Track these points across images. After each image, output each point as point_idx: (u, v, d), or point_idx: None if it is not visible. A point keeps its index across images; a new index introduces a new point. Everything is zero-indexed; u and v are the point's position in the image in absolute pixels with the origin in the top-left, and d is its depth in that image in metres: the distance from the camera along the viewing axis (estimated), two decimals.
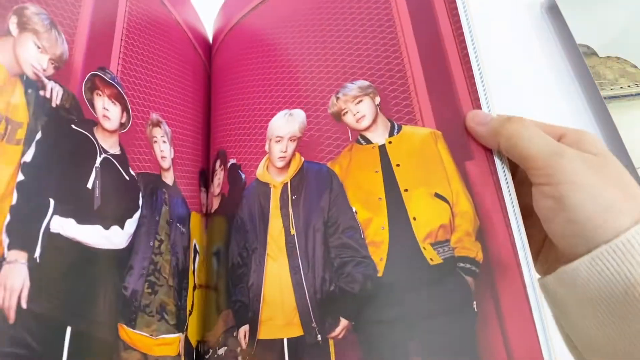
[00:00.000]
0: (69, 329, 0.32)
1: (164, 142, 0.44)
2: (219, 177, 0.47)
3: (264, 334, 0.37)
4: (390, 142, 0.38)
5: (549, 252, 0.35)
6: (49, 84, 0.35)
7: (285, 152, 0.41)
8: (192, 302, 0.43)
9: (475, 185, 0.35)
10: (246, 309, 0.39)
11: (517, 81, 0.62)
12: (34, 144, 0.33)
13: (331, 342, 0.35)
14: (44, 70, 0.35)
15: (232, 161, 0.45)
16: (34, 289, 0.30)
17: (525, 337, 0.31)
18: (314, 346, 0.35)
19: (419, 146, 0.37)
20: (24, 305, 0.29)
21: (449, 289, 0.34)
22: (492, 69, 0.54)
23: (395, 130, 0.38)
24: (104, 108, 0.39)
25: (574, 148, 0.29)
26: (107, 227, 0.36)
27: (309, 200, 0.39)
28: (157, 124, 0.44)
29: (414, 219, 0.36)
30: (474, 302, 0.33)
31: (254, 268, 0.39)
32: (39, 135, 0.33)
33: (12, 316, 0.28)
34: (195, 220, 0.46)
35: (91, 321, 0.33)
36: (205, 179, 0.50)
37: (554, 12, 0.66)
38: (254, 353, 0.37)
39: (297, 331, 0.36)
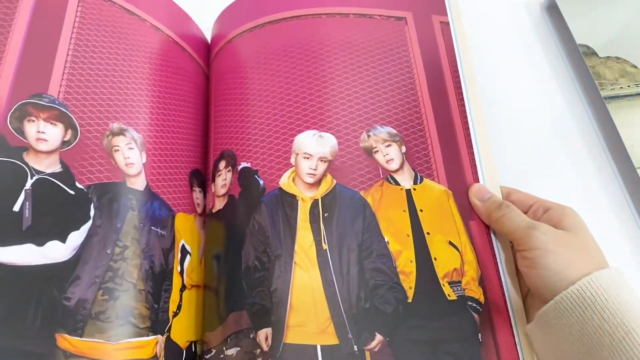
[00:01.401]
0: None
1: (131, 148, 0.55)
2: (225, 177, 0.58)
3: (291, 338, 0.49)
4: (414, 189, 0.57)
5: (532, 301, 0.57)
6: None
7: (315, 170, 0.55)
8: (179, 303, 0.52)
9: (476, 241, 0.56)
10: (267, 313, 0.50)
11: (517, 81, 0.76)
12: None
13: (367, 353, 0.48)
14: None
15: (244, 164, 0.56)
16: None
17: None
18: (350, 355, 0.48)
19: (437, 199, 0.57)
20: None
21: (462, 321, 0.52)
22: (493, 69, 0.75)
23: (419, 180, 0.58)
24: (39, 132, 0.51)
25: (556, 221, 0.54)
26: (41, 244, 0.47)
27: (342, 221, 0.53)
28: (120, 133, 0.55)
29: (435, 258, 0.54)
30: (479, 334, 0.51)
31: (278, 274, 0.51)
32: None
33: None
34: (183, 220, 0.56)
35: (17, 335, 0.43)
36: (199, 178, 0.60)
37: (554, 12, 0.80)
38: (279, 356, 0.48)
39: (332, 340, 0.49)
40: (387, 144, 0.58)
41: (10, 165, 0.48)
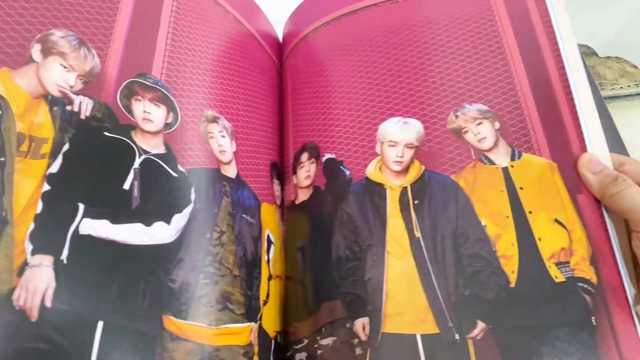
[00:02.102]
0: (100, 324, 0.44)
1: (223, 136, 0.59)
2: (308, 169, 0.62)
3: (390, 327, 0.51)
4: (512, 166, 0.56)
5: None
6: (77, 99, 0.50)
7: (401, 157, 0.56)
8: (267, 292, 0.56)
9: (585, 216, 0.54)
10: (362, 302, 0.52)
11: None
12: (60, 156, 0.47)
13: (470, 342, 0.49)
14: (71, 87, 0.50)
15: (328, 156, 0.59)
16: (61, 289, 0.43)
17: (636, 354, 0.48)
18: (452, 344, 0.49)
19: (539, 174, 0.56)
20: (48, 304, 0.42)
21: (572, 305, 0.50)
22: None
23: (516, 156, 0.57)
24: (145, 112, 0.54)
25: None
26: (148, 224, 0.50)
27: (434, 207, 0.54)
28: (214, 120, 0.59)
29: (539, 239, 0.53)
30: (592, 317, 0.49)
31: (371, 264, 0.54)
32: (66, 147, 0.48)
33: (34, 315, 0.41)
34: (267, 210, 0.60)
35: (127, 314, 0.46)
36: (277, 171, 0.63)
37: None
38: (378, 345, 0.50)
39: (432, 329, 0.50)
40: (477, 122, 0.58)
41: (121, 142, 0.51)
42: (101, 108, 0.50)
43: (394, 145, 0.57)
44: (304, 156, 0.62)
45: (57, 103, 0.48)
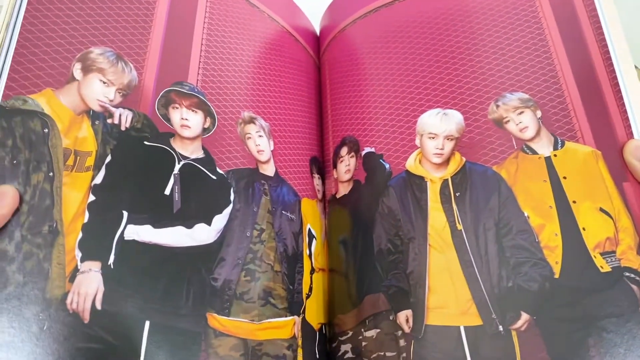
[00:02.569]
0: (147, 323, 0.46)
1: (260, 136, 0.60)
2: (348, 163, 0.62)
3: (433, 320, 0.51)
4: (555, 155, 0.55)
5: None
6: (117, 111, 0.52)
7: (442, 149, 0.56)
8: (310, 285, 0.57)
9: (632, 204, 0.53)
10: (405, 295, 0.53)
11: None
12: (103, 167, 0.50)
13: (514, 333, 0.49)
14: (111, 100, 0.52)
15: (367, 149, 0.59)
16: (110, 292, 0.45)
17: None
18: (495, 336, 0.49)
19: (583, 162, 0.55)
20: (98, 306, 0.44)
21: (619, 295, 0.49)
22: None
23: (559, 145, 0.56)
24: (183, 118, 0.55)
25: None
26: (190, 227, 0.51)
27: (476, 199, 0.54)
28: (251, 121, 0.60)
29: (584, 229, 0.52)
30: None
31: (413, 257, 0.54)
32: (108, 159, 0.50)
33: (86, 317, 0.43)
34: (308, 205, 0.61)
35: (172, 314, 0.47)
36: (317, 165, 0.65)
37: None
38: (422, 337, 0.51)
39: (475, 320, 0.50)
40: (519, 111, 0.57)
41: (161, 150, 0.53)
42: (140, 119, 0.52)
43: (433, 138, 0.57)
44: (344, 150, 0.63)
45: (98, 117, 0.51)
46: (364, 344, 0.53)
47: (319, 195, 0.64)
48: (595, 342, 0.47)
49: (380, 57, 0.64)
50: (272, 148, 0.60)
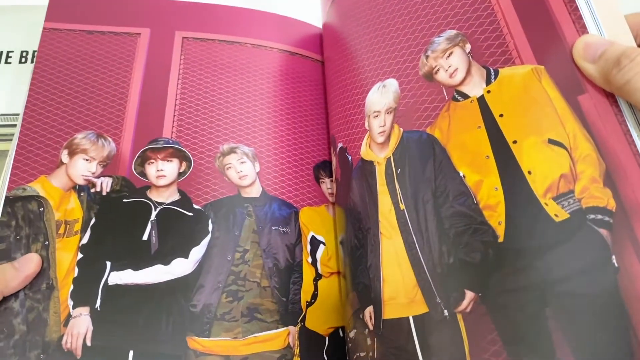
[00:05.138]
0: (131, 353, 0.53)
1: (242, 162, 0.62)
2: (334, 163, 0.61)
3: (388, 313, 0.48)
4: (489, 92, 0.45)
5: None
6: (99, 181, 0.58)
7: (384, 125, 0.52)
8: (314, 292, 0.59)
9: (593, 122, 0.40)
10: (368, 290, 0.51)
11: None
12: (89, 229, 0.56)
13: (459, 316, 0.44)
14: (93, 173, 0.58)
15: (340, 145, 0.58)
16: (98, 330, 0.52)
17: None
18: (442, 322, 0.44)
19: (522, 88, 0.43)
20: (88, 343, 0.51)
21: (582, 246, 0.39)
22: None
23: (493, 77, 0.45)
24: (158, 170, 0.59)
25: None
26: (167, 263, 0.56)
27: (414, 171, 0.49)
28: (231, 152, 0.62)
29: (529, 172, 0.42)
30: (613, 257, 0.38)
31: (370, 249, 0.51)
32: (93, 221, 0.57)
33: (79, 353, 0.51)
34: (310, 213, 0.62)
35: (153, 341, 0.53)
36: (328, 169, 0.64)
37: None
38: (381, 334, 0.48)
39: (422, 308, 0.46)
40: (448, 53, 0.48)
41: (137, 203, 0.58)
42: (119, 181, 0.59)
43: (377, 116, 0.53)
44: (332, 151, 0.62)
45: (83, 189, 0.58)
46: (350, 345, 0.53)
47: (332, 199, 0.63)
48: (555, 312, 0.39)
49: (336, 47, 0.61)
50: (257, 170, 0.62)
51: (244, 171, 0.61)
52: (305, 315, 0.56)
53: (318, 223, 0.61)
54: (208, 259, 0.57)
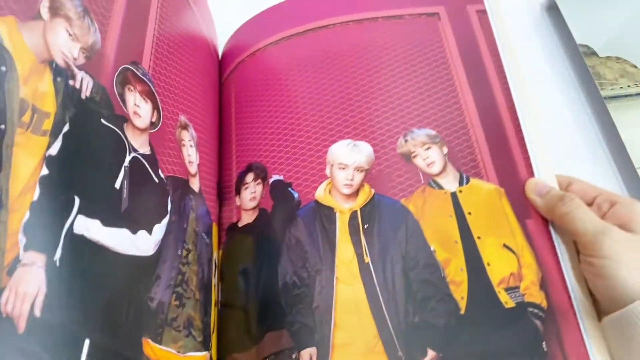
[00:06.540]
0: (87, 342, 0.35)
1: (191, 146, 0.53)
2: (254, 190, 0.57)
3: (338, 358, 0.46)
4: (460, 191, 0.53)
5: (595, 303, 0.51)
6: (79, 74, 0.41)
7: (351, 180, 0.52)
8: (214, 319, 0.50)
9: (535, 240, 0.51)
10: (310, 331, 0.47)
11: None
12: (60, 137, 0.38)
13: None
14: (75, 58, 0.41)
15: (276, 177, 0.54)
16: (50, 296, 0.33)
17: None
18: None
19: (487, 199, 0.52)
20: (37, 313, 0.32)
21: (523, 330, 0.47)
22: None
23: (465, 181, 0.53)
24: (135, 104, 0.47)
25: (626, 220, 0.48)
26: (134, 232, 0.42)
27: (384, 231, 0.50)
28: (185, 127, 0.53)
29: (488, 264, 0.49)
30: (544, 343, 0.46)
31: (319, 290, 0.49)
32: (66, 128, 0.39)
33: (22, 325, 0.32)
34: (215, 232, 0.55)
35: (112, 334, 0.38)
36: (219, 191, 0.59)
37: (554, 12, 0.79)
38: None
39: (381, 358, 0.45)
40: (426, 146, 0.54)
41: (116, 135, 0.43)
42: (99, 91, 0.43)
43: (344, 168, 0.53)
44: (250, 177, 0.57)
45: (61, 74, 0.40)
46: None
47: (220, 223, 0.58)
48: None
49: (292, 84, 0.61)
50: (198, 162, 0.53)
51: (192, 156, 0.52)
52: (211, 344, 0.48)
53: (216, 244, 0.54)
54: (165, 245, 0.44)
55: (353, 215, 0.51)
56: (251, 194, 0.56)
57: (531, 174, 0.54)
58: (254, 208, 0.55)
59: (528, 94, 0.58)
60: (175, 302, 0.44)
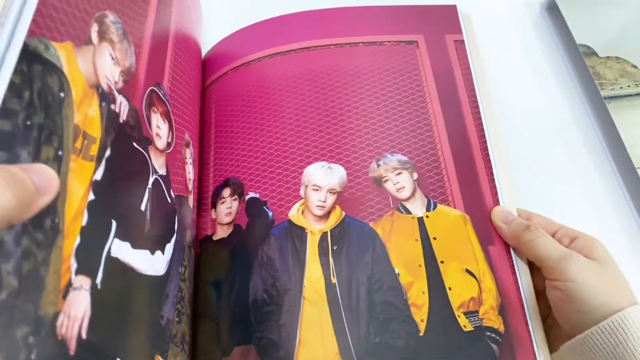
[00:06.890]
0: None
1: (190, 163, 0.55)
2: (230, 206, 0.58)
3: None
4: (427, 217, 0.55)
5: (554, 330, 0.54)
6: (119, 98, 0.42)
7: (324, 202, 0.54)
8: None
9: (496, 267, 0.54)
10: (276, 347, 0.49)
11: (517, 81, 0.76)
12: (103, 161, 0.39)
13: None
14: (116, 82, 0.42)
15: (252, 194, 0.56)
16: (94, 318, 0.34)
17: None
18: None
19: (452, 225, 0.55)
20: (83, 335, 0.33)
21: (480, 354, 0.49)
22: (492, 69, 0.74)
23: (432, 207, 0.56)
24: (157, 126, 0.48)
25: (586, 252, 0.50)
26: (152, 252, 0.43)
27: (352, 254, 0.52)
28: (188, 145, 0.55)
29: (450, 288, 0.51)
30: None
31: (287, 308, 0.50)
32: (108, 152, 0.40)
33: (73, 347, 0.32)
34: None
35: (135, 352, 0.38)
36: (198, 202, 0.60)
37: (554, 12, 0.81)
38: None
39: None
40: (397, 172, 0.57)
41: (143, 157, 0.44)
42: (133, 114, 0.43)
43: (317, 190, 0.55)
44: (227, 191, 0.58)
45: (105, 98, 0.40)
46: None
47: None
48: None
49: (274, 104, 0.62)
50: (193, 178, 0.55)
51: (191, 174, 0.54)
52: None
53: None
54: (172, 264, 0.44)
55: (323, 237, 0.53)
56: (227, 209, 0.57)
57: (497, 202, 0.56)
58: (229, 223, 0.56)
59: (498, 125, 0.60)
60: (177, 319, 0.45)
